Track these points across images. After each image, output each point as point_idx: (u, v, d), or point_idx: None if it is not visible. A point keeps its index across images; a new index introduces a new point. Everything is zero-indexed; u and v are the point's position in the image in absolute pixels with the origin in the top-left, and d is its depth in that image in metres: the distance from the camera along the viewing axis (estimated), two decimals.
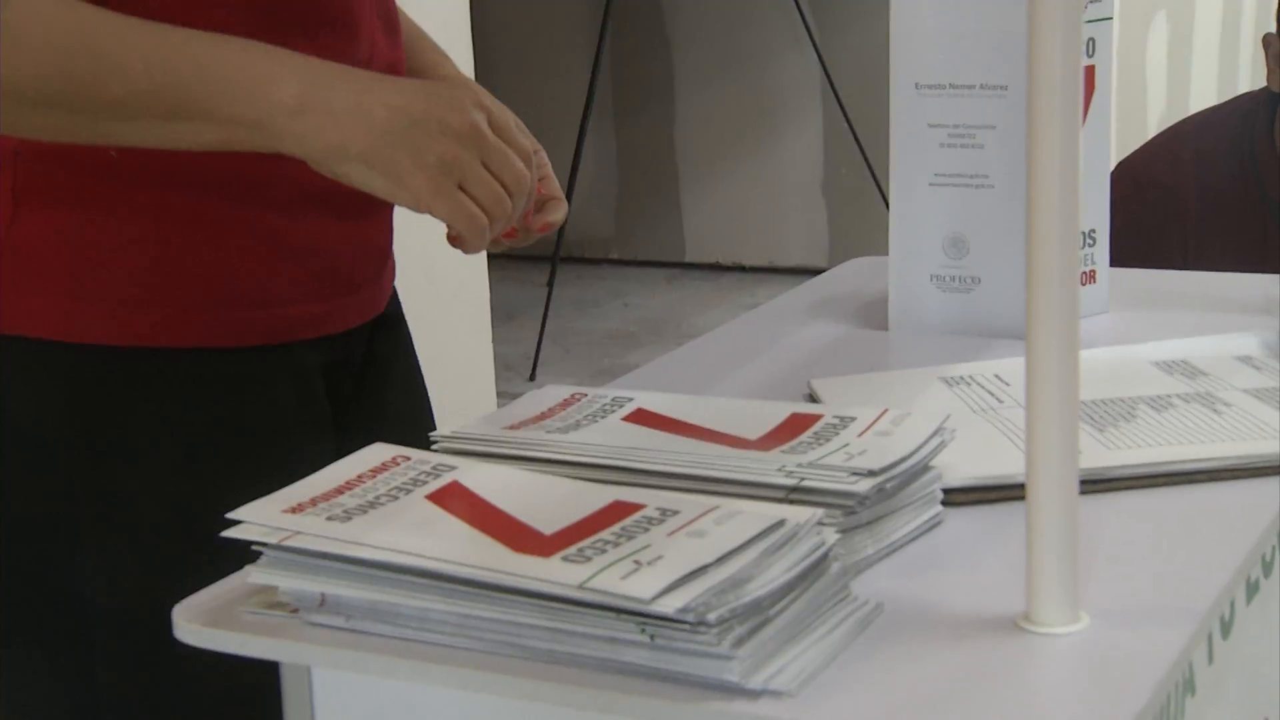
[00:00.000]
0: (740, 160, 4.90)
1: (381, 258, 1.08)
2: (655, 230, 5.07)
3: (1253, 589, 0.88)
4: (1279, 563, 0.92)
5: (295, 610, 0.75)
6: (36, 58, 0.85)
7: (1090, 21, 1.22)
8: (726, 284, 4.79)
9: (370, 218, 1.05)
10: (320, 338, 1.02)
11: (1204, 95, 4.62)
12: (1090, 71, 1.23)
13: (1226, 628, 0.84)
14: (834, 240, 4.77)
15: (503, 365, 3.68)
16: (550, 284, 4.02)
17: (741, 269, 4.93)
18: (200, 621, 0.76)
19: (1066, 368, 0.72)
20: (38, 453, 0.95)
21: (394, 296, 1.14)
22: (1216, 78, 4.68)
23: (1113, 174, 1.81)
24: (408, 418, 1.13)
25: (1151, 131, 4.37)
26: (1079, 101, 0.71)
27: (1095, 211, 1.27)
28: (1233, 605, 0.85)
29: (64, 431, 0.95)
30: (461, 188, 0.89)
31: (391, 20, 1.08)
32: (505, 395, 3.24)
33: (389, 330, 1.12)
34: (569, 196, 1.26)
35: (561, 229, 3.90)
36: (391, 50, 1.07)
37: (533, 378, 3.91)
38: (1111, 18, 1.24)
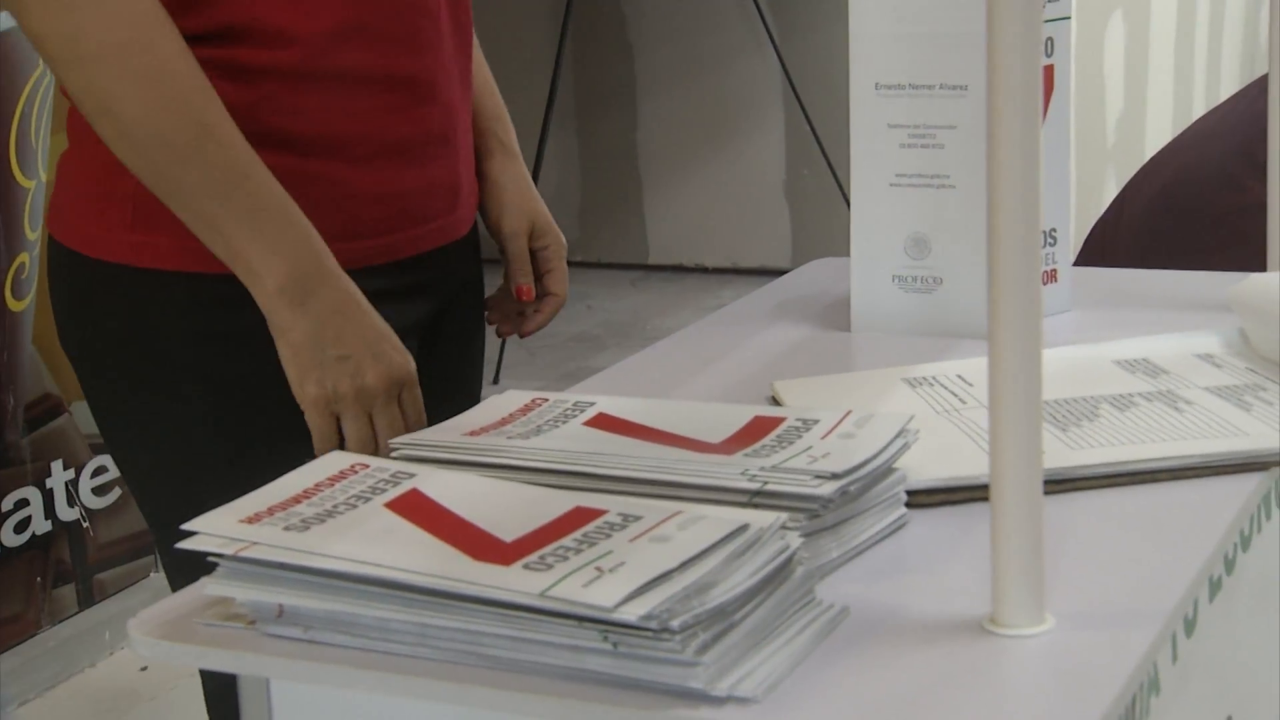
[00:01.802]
0: (703, 162, 4.90)
1: (451, 194, 1.23)
2: (618, 233, 5.06)
3: (1215, 587, 0.88)
4: (1241, 560, 0.92)
5: (253, 622, 0.74)
6: (153, 107, 1.04)
7: (1049, 21, 1.22)
8: (690, 285, 4.79)
9: (436, 160, 1.20)
10: (392, 262, 1.18)
11: (1161, 94, 4.65)
12: (1049, 71, 1.23)
13: (1190, 626, 0.84)
14: (797, 241, 4.77)
15: None
16: None
17: (705, 270, 4.92)
18: (157, 634, 0.75)
19: (1029, 367, 0.72)
20: (164, 365, 1.14)
21: (476, 223, 1.31)
22: (1172, 77, 4.71)
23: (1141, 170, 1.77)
24: (473, 330, 1.33)
25: (1110, 132, 4.40)
26: (1039, 101, 0.71)
27: (1056, 210, 1.27)
28: (1196, 604, 0.85)
29: (184, 342, 1.13)
30: (338, 417, 1.09)
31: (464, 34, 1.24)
32: None
33: (472, 251, 1.30)
34: None
35: None
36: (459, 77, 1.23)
37: (496, 381, 3.89)
38: (1070, 17, 1.24)
